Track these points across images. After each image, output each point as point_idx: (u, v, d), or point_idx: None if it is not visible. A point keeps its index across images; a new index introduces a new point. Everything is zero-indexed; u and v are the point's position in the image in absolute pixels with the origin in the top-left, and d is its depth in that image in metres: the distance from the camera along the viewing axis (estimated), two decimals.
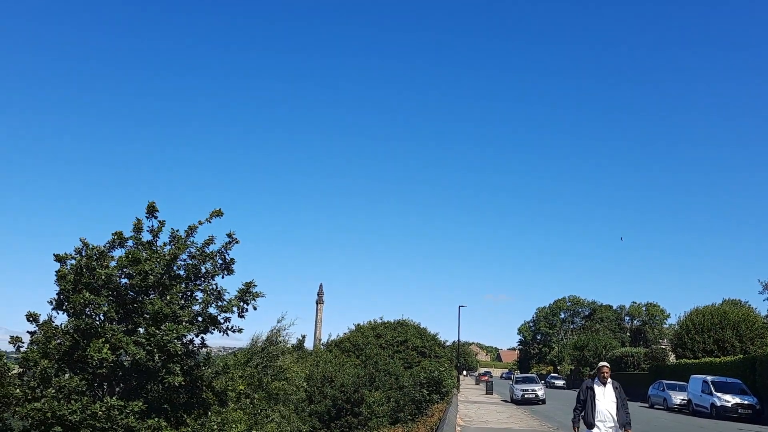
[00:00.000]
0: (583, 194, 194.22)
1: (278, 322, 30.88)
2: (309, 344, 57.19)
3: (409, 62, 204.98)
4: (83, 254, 10.77)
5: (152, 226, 11.47)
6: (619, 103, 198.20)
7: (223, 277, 11.57)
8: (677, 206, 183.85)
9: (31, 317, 10.50)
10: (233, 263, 11.56)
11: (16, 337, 10.34)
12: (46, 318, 10.50)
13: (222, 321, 11.27)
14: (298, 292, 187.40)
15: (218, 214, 11.72)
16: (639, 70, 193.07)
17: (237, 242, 11.58)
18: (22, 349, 10.22)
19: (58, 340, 10.13)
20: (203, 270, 11.37)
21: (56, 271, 10.49)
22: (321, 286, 76.79)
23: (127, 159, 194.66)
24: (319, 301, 75.99)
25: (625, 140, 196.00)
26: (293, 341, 41.97)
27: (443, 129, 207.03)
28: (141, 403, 9.67)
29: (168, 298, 10.37)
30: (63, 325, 10.35)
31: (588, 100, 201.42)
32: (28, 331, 10.47)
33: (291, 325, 38.14)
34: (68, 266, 10.62)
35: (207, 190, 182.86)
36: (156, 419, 9.75)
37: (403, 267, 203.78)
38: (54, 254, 10.60)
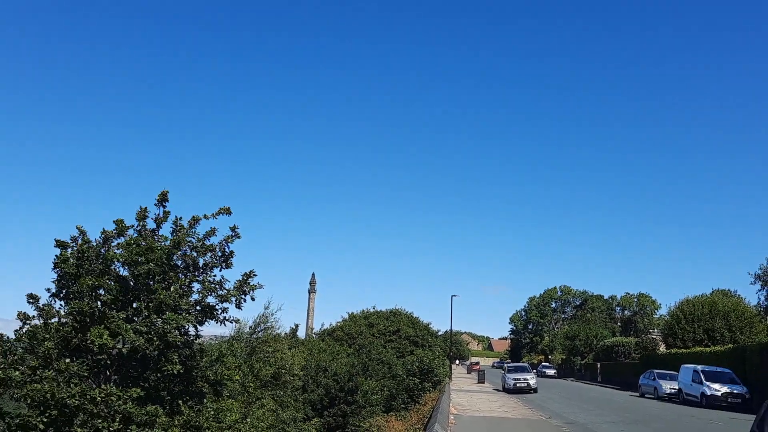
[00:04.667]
0: (577, 186, 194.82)
1: (265, 308, 31.12)
2: (301, 333, 57.23)
3: (407, 56, 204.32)
4: (85, 240, 10.69)
5: (158, 215, 11.37)
6: (612, 96, 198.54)
7: (221, 270, 11.50)
8: (668, 198, 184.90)
9: (32, 299, 10.38)
10: (232, 257, 11.45)
11: (24, 313, 10.26)
12: (46, 302, 10.42)
13: (220, 311, 11.23)
14: (290, 281, 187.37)
15: (226, 212, 11.51)
16: (636, 66, 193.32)
17: (239, 237, 11.44)
18: (26, 328, 10.16)
19: (58, 325, 10.06)
20: (201, 262, 11.31)
21: (56, 257, 10.39)
22: (313, 275, 76.68)
23: (122, 152, 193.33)
24: (312, 290, 75.90)
25: (617, 133, 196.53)
26: (286, 330, 42.11)
27: (437, 119, 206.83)
28: (139, 390, 9.65)
29: (172, 289, 10.33)
30: (64, 311, 10.27)
31: (582, 92, 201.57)
32: (27, 319, 10.40)
33: (278, 311, 38.09)
34: (69, 252, 10.53)
35: (201, 181, 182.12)
36: (153, 407, 9.73)
37: (395, 257, 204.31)
38: (56, 240, 10.49)
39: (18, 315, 10.27)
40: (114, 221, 10.96)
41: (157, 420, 9.65)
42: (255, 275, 11.44)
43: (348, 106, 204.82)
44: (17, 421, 9.33)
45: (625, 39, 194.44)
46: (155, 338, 9.83)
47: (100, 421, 9.25)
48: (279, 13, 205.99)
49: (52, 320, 10.26)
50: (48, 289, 10.54)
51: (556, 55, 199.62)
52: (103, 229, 10.89)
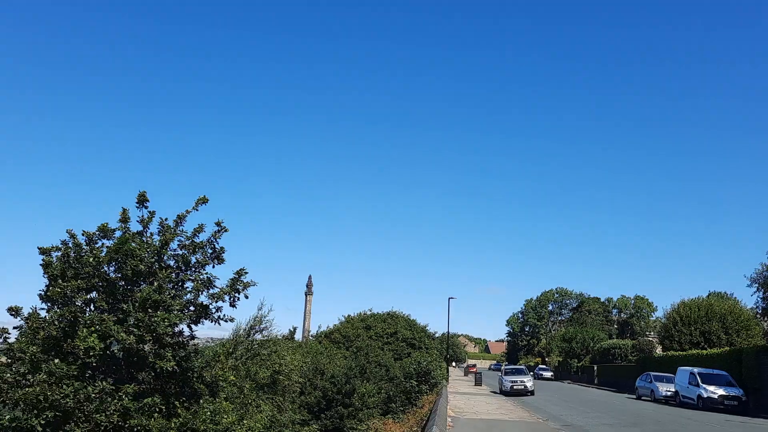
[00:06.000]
0: (574, 188, 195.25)
1: (258, 309, 31.14)
2: (299, 336, 57.13)
3: (403, 56, 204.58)
4: (70, 244, 10.64)
5: (142, 216, 11.38)
6: (609, 98, 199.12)
7: (213, 267, 11.51)
8: (665, 200, 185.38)
9: (14, 311, 10.24)
10: (223, 252, 11.48)
11: (3, 328, 10.20)
12: (31, 311, 10.30)
13: (213, 310, 11.21)
14: (286, 283, 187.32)
15: (204, 201, 11.67)
16: (633, 68, 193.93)
17: (226, 230, 11.51)
18: (9, 341, 10.10)
19: (46, 332, 10.00)
20: (193, 260, 11.30)
21: (42, 260, 10.35)
22: (310, 277, 76.59)
23: (114, 150, 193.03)
24: (308, 292, 75.82)
25: (614, 135, 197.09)
26: (284, 332, 42.06)
27: (435, 119, 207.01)
28: (133, 385, 9.62)
29: (156, 284, 10.28)
30: (50, 316, 10.20)
31: (579, 93, 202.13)
32: (14, 327, 10.31)
33: (270, 311, 38.00)
34: (54, 257, 10.49)
35: (195, 181, 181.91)
36: (151, 399, 9.68)
37: (392, 259, 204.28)
38: (38, 247, 10.42)
39: None
40: (98, 226, 10.91)
41: (155, 411, 9.61)
42: (246, 273, 11.45)
43: (344, 106, 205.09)
44: (13, 425, 9.29)
45: (622, 37, 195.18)
46: (147, 335, 9.77)
47: (98, 415, 9.22)
48: (272, 11, 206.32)
49: (40, 329, 10.16)
50: (39, 294, 10.48)
51: (552, 52, 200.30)
52: (84, 231, 10.84)
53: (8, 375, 9.38)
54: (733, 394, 28.24)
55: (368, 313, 57.76)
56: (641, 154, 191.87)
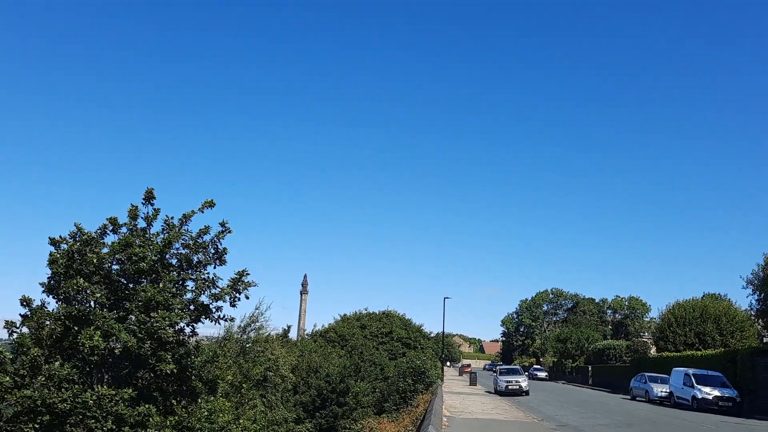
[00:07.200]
0: (570, 189, 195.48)
1: (256, 308, 31.21)
2: (293, 335, 57.05)
3: (400, 57, 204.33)
4: (76, 239, 10.64)
5: (148, 213, 11.39)
6: (604, 99, 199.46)
7: (215, 267, 11.54)
8: (660, 202, 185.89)
9: (25, 301, 10.43)
10: (226, 253, 11.52)
11: (11, 321, 10.24)
12: (39, 303, 10.37)
13: (214, 310, 11.20)
14: (282, 282, 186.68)
15: (210, 205, 11.72)
16: (629, 70, 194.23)
17: (230, 231, 11.54)
18: (15, 335, 10.10)
19: (51, 327, 9.99)
20: (195, 260, 11.28)
21: (49, 254, 10.38)
22: (305, 276, 76.70)
23: (116, 148, 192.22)
24: (304, 291, 75.83)
25: (610, 136, 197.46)
26: (278, 331, 42.00)
27: (432, 121, 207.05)
28: (131, 391, 9.56)
29: (161, 285, 10.26)
30: (55, 312, 10.21)
31: (576, 95, 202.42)
32: (20, 314, 10.36)
33: (267, 310, 38.08)
34: (60, 251, 10.49)
35: (195, 183, 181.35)
36: (146, 407, 9.65)
37: (388, 258, 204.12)
38: (49, 237, 10.52)
39: (5, 324, 10.26)
40: (107, 219, 10.95)
41: (150, 420, 9.56)
42: (248, 274, 11.44)
43: (341, 107, 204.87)
44: (9, 426, 9.22)
45: (617, 45, 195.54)
46: (147, 337, 9.74)
47: (93, 422, 9.17)
48: (274, 14, 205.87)
49: (45, 323, 10.18)
50: (42, 284, 10.50)
51: (548, 58, 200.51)
52: (87, 232, 10.81)
53: (7, 379, 9.34)
54: (728, 395, 28.27)
55: (364, 312, 57.74)
56: (636, 156, 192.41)
